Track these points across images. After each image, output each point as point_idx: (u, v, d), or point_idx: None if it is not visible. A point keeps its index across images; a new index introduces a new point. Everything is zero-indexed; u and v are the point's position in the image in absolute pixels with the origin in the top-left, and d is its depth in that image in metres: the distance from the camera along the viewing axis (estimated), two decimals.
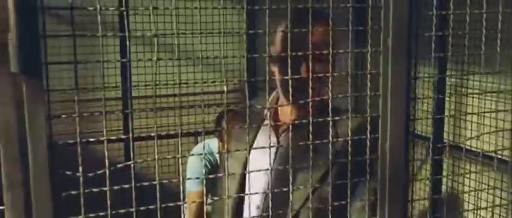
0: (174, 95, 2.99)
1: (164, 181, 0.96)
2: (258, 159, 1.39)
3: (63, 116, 0.86)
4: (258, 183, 1.45)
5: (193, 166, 2.57)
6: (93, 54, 2.48)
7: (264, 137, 1.47)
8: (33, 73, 0.84)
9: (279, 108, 1.52)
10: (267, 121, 1.50)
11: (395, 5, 0.94)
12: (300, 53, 1.00)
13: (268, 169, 0.95)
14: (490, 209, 1.38)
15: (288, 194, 1.17)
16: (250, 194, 1.43)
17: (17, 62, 0.84)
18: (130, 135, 0.89)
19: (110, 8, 0.71)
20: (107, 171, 0.90)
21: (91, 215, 0.89)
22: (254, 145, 1.48)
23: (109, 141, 0.96)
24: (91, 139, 0.88)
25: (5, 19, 0.84)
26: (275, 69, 1.46)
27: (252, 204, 1.49)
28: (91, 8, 0.80)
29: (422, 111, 2.34)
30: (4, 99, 0.85)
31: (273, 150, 1.46)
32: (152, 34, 0.79)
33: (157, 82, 2.86)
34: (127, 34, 0.75)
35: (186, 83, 2.81)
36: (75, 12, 0.81)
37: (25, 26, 0.84)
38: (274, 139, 1.48)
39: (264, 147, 1.06)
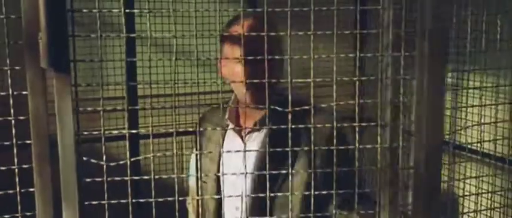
0: (178, 94, 3.07)
1: (182, 176, 1.04)
2: (229, 161, 1.44)
3: (89, 109, 0.94)
4: (233, 184, 1.47)
5: (194, 164, 2.68)
6: (94, 54, 2.53)
7: (230, 141, 1.49)
8: (61, 70, 0.92)
9: (241, 111, 1.53)
10: (231, 125, 1.51)
11: (434, 6, 0.86)
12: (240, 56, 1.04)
13: (243, 173, 0.98)
14: (467, 198, 1.46)
15: (267, 196, 1.22)
16: (229, 196, 1.45)
17: (47, 59, 0.92)
18: (150, 129, 0.97)
19: (134, 10, 0.79)
20: (128, 162, 0.97)
21: (113, 201, 0.97)
22: (223, 148, 1.51)
23: (122, 137, 1.03)
24: (114, 132, 0.95)
25: (36, 20, 0.92)
26: (226, 72, 1.46)
27: (231, 205, 1.52)
28: (116, 10, 0.88)
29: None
30: (35, 92, 0.93)
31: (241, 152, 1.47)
32: (171, 35, 0.87)
33: (161, 82, 2.93)
34: (149, 35, 0.83)
35: (188, 82, 2.88)
36: (78, 14, 0.90)
37: (54, 26, 0.92)
38: (239, 142, 1.49)
39: (236, 151, 1.07)
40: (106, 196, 0.95)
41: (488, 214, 1.30)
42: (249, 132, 1.49)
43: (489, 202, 1.27)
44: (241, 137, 1.50)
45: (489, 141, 1.25)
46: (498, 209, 1.35)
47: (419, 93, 0.89)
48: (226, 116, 1.53)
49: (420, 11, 0.87)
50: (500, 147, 1.68)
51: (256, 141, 1.49)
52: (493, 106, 1.22)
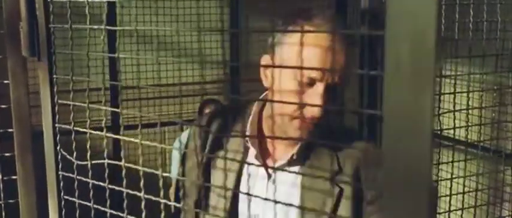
0: (159, 85, 3.08)
1: (168, 176, 1.04)
2: (247, 186, 1.12)
3: (71, 103, 0.94)
4: (246, 211, 1.14)
5: (175, 157, 2.79)
6: (74, 45, 2.51)
7: (252, 166, 1.13)
8: (43, 59, 0.94)
9: (266, 129, 1.15)
10: (253, 150, 1.13)
11: None
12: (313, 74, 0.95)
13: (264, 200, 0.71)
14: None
15: None
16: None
17: (28, 48, 0.93)
18: (125, 125, 0.98)
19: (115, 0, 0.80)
20: (105, 163, 0.97)
21: (90, 204, 0.96)
22: (243, 168, 1.14)
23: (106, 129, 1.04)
24: (92, 130, 0.96)
25: (17, 9, 0.93)
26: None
27: None
28: (97, 0, 0.89)
29: None
30: (17, 81, 0.94)
31: (264, 183, 1.13)
32: (151, 28, 0.88)
33: (143, 73, 2.94)
34: (122, 27, 0.84)
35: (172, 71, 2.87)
36: (60, 5, 0.91)
37: (35, 16, 0.93)
38: (263, 171, 1.14)
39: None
40: (91, 194, 0.96)
41: (461, 199, 1.35)
42: (283, 165, 1.12)
43: (462, 186, 1.32)
44: (266, 166, 1.13)
45: (462, 127, 1.29)
46: (472, 195, 1.40)
47: None
48: (247, 131, 1.15)
49: None
50: (472, 134, 1.73)
51: (286, 178, 1.12)
52: (465, 94, 1.26)
